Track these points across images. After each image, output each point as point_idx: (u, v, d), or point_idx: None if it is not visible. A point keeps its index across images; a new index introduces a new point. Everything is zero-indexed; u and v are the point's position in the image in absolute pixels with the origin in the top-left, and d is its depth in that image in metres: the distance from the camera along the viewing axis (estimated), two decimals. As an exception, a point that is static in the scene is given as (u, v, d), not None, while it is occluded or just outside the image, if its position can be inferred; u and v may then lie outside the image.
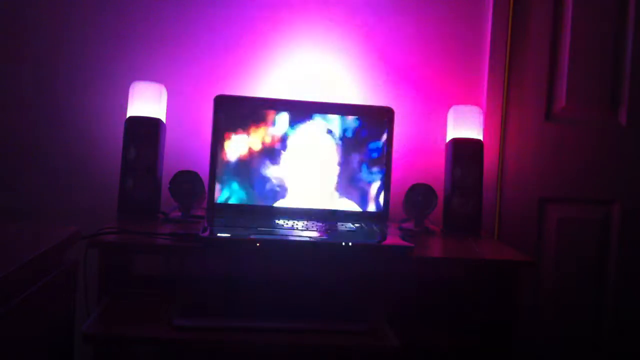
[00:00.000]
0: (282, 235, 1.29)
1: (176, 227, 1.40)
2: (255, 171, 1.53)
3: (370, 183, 1.55)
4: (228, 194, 1.52)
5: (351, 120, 1.55)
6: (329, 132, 1.55)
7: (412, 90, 1.76)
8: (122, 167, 1.52)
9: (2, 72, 1.68)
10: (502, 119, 1.78)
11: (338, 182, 1.54)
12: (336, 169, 1.54)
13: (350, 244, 1.27)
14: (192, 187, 1.50)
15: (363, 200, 1.55)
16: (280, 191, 1.53)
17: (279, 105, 1.55)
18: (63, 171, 1.69)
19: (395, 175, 1.66)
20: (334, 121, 1.55)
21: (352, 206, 1.55)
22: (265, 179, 1.53)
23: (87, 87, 1.69)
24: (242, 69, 1.72)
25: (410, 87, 1.76)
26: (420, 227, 1.54)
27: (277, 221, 1.42)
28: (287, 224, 1.39)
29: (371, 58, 1.75)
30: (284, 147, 1.54)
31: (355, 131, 1.55)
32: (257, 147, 1.53)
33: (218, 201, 1.52)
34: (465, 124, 1.62)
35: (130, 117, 1.54)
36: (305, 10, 1.73)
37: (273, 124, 1.53)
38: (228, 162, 1.52)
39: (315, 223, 1.42)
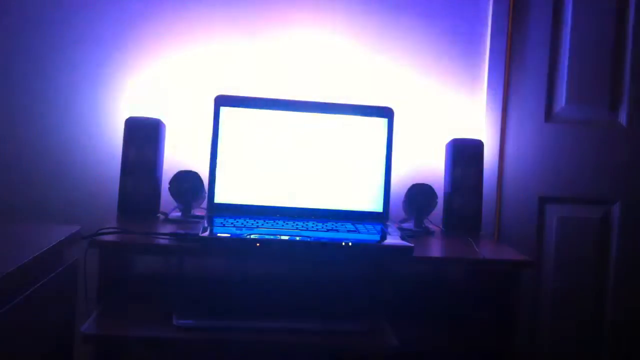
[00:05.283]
0: (282, 235, 1.29)
1: (176, 227, 1.40)
2: (254, 171, 1.52)
3: (370, 183, 1.55)
4: (228, 193, 1.52)
5: (351, 120, 1.55)
6: (329, 132, 1.55)
7: (412, 90, 1.76)
8: (122, 167, 1.52)
9: (1, 73, 1.68)
10: (502, 119, 1.78)
11: (338, 182, 1.54)
12: (336, 169, 1.54)
13: (350, 244, 1.27)
14: (192, 187, 1.50)
15: (363, 200, 1.55)
16: (279, 191, 1.53)
17: (279, 105, 1.55)
18: (63, 171, 1.69)
19: (395, 175, 1.66)
20: (335, 121, 1.55)
21: (352, 206, 1.54)
22: (265, 179, 1.53)
23: (87, 87, 1.69)
24: (242, 69, 1.72)
25: (410, 87, 1.76)
26: (420, 227, 1.54)
27: (277, 221, 1.42)
28: (287, 223, 1.39)
29: (371, 58, 1.75)
30: (283, 146, 1.54)
31: (356, 131, 1.55)
32: (256, 146, 1.53)
33: (218, 201, 1.52)
34: (465, 124, 1.62)
35: (130, 117, 1.54)
36: (307, 10, 1.73)
37: (273, 123, 1.53)
38: (228, 162, 1.52)
39: (316, 223, 1.42)
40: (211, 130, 1.51)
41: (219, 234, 1.27)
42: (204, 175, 1.52)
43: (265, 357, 1.27)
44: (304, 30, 1.73)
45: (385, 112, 1.57)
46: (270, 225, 1.37)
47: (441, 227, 1.62)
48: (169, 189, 1.51)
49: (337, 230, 1.37)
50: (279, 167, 1.53)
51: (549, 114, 1.82)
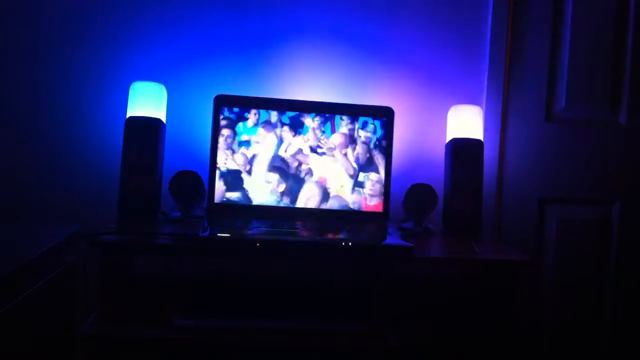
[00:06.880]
0: (282, 235, 1.29)
1: (176, 227, 1.41)
2: (255, 171, 1.52)
3: (370, 183, 1.55)
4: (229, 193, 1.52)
5: (351, 120, 1.55)
6: (329, 132, 1.55)
7: (412, 90, 1.76)
8: (122, 167, 1.52)
9: (1, 72, 1.68)
10: (502, 119, 1.78)
11: (338, 182, 1.54)
12: (336, 169, 1.54)
13: (350, 244, 1.27)
14: (192, 187, 1.51)
15: (363, 200, 1.55)
16: (279, 191, 1.53)
17: (279, 105, 1.55)
18: (63, 171, 1.69)
19: (395, 175, 1.66)
20: (334, 121, 1.55)
21: (352, 206, 1.54)
22: (265, 179, 1.53)
23: (87, 87, 1.69)
24: (242, 69, 1.72)
25: (410, 87, 1.76)
26: (420, 227, 1.54)
27: (277, 221, 1.42)
28: (287, 224, 1.39)
29: (371, 58, 1.75)
30: (283, 146, 1.54)
31: (355, 131, 1.55)
32: (256, 146, 1.53)
33: (218, 201, 1.52)
34: (465, 124, 1.62)
35: (130, 117, 1.54)
36: (307, 10, 1.73)
37: (272, 123, 1.53)
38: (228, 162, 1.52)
39: (316, 223, 1.42)
40: (211, 130, 1.52)
41: (218, 234, 1.27)
42: (204, 175, 1.52)
43: (265, 357, 1.27)
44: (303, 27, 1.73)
45: (385, 112, 1.57)
46: (270, 225, 1.37)
47: (441, 227, 1.62)
48: (169, 189, 1.51)
49: (338, 231, 1.37)
50: (279, 166, 1.53)
51: (549, 114, 1.82)
